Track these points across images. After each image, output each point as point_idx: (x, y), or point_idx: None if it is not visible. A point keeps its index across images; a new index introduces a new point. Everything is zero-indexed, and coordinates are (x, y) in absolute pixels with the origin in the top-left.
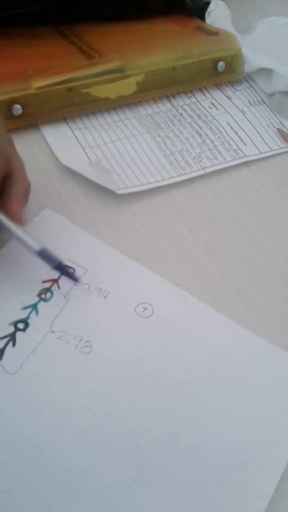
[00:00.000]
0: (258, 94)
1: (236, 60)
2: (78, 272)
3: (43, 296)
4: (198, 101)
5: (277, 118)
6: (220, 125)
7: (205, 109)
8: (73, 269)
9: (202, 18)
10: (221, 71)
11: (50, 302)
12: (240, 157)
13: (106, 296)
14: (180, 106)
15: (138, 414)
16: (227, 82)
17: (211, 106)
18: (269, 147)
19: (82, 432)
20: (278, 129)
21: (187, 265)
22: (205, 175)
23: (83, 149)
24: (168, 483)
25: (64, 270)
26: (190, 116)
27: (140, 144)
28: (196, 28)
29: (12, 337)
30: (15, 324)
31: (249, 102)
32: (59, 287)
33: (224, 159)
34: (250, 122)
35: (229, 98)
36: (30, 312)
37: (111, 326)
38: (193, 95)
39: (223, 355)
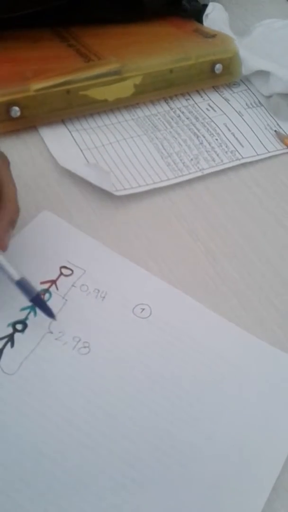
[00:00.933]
0: (256, 96)
1: (234, 63)
2: (76, 273)
3: (41, 297)
4: (196, 103)
5: (274, 120)
6: (218, 127)
7: (203, 111)
8: (48, 307)
9: (200, 20)
10: (218, 73)
11: (48, 303)
12: (238, 159)
13: (104, 297)
14: (177, 108)
15: (136, 415)
16: (224, 84)
17: (209, 108)
18: (266, 149)
19: (80, 432)
20: (275, 131)
21: (185, 266)
22: (203, 176)
23: (81, 150)
24: (166, 482)
25: (40, 303)
26: (187, 118)
27: (138, 146)
28: (194, 30)
29: (10, 338)
30: (13, 325)
31: (247, 104)
32: (57, 288)
33: (222, 160)
34: (248, 124)
35: (226, 100)
36: (29, 313)
37: (109, 327)
38: (191, 97)
39: (221, 356)
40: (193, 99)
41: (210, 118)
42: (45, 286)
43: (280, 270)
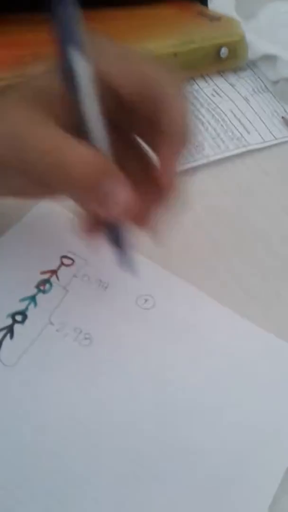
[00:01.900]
0: (262, 82)
1: (240, 46)
2: (77, 263)
3: (41, 287)
4: (201, 89)
5: (282, 106)
6: (223, 113)
7: (208, 97)
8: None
9: (205, 3)
10: (224, 57)
11: (49, 294)
12: (244, 146)
13: (106, 288)
14: None
15: (138, 408)
16: (230, 69)
17: (214, 93)
18: (273, 135)
19: (81, 425)
20: (282, 117)
21: (189, 255)
22: (208, 164)
23: None
24: (168, 478)
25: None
26: (192, 104)
27: None
28: (198, 13)
29: (9, 329)
30: (13, 316)
31: (253, 90)
32: (58, 279)
33: (228, 147)
34: (254, 110)
35: (232, 85)
36: (29, 304)
37: (112, 318)
38: (196, 82)
39: (225, 347)
40: (197, 84)
41: (215, 104)
42: (46, 276)
43: (285, 259)
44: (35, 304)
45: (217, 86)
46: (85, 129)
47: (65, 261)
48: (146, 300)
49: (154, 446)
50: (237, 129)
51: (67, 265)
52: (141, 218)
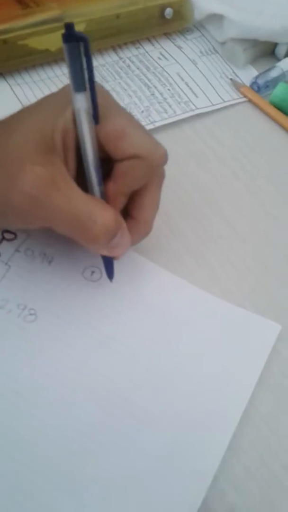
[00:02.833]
0: (210, 43)
1: (185, 6)
2: (20, 237)
3: None
4: (147, 52)
5: (230, 67)
6: (170, 76)
7: (154, 60)
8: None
9: None
10: (169, 18)
11: None
12: (192, 110)
13: (51, 261)
14: (127, 57)
15: (88, 381)
16: (177, 31)
17: (161, 56)
18: (222, 98)
19: (29, 402)
20: (231, 79)
21: None
22: (155, 129)
23: (23, 106)
24: (121, 448)
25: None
26: (138, 68)
27: None
28: None
29: None
30: None
31: (201, 52)
32: None
33: (175, 112)
34: (202, 73)
35: (179, 47)
36: None
37: (57, 292)
38: (141, 45)
39: (174, 314)
40: (143, 48)
41: (162, 67)
42: None
43: (236, 225)
44: None
45: (164, 49)
46: (88, 175)
47: (7, 235)
48: (93, 272)
49: (105, 417)
50: (184, 93)
51: (9, 240)
52: None
